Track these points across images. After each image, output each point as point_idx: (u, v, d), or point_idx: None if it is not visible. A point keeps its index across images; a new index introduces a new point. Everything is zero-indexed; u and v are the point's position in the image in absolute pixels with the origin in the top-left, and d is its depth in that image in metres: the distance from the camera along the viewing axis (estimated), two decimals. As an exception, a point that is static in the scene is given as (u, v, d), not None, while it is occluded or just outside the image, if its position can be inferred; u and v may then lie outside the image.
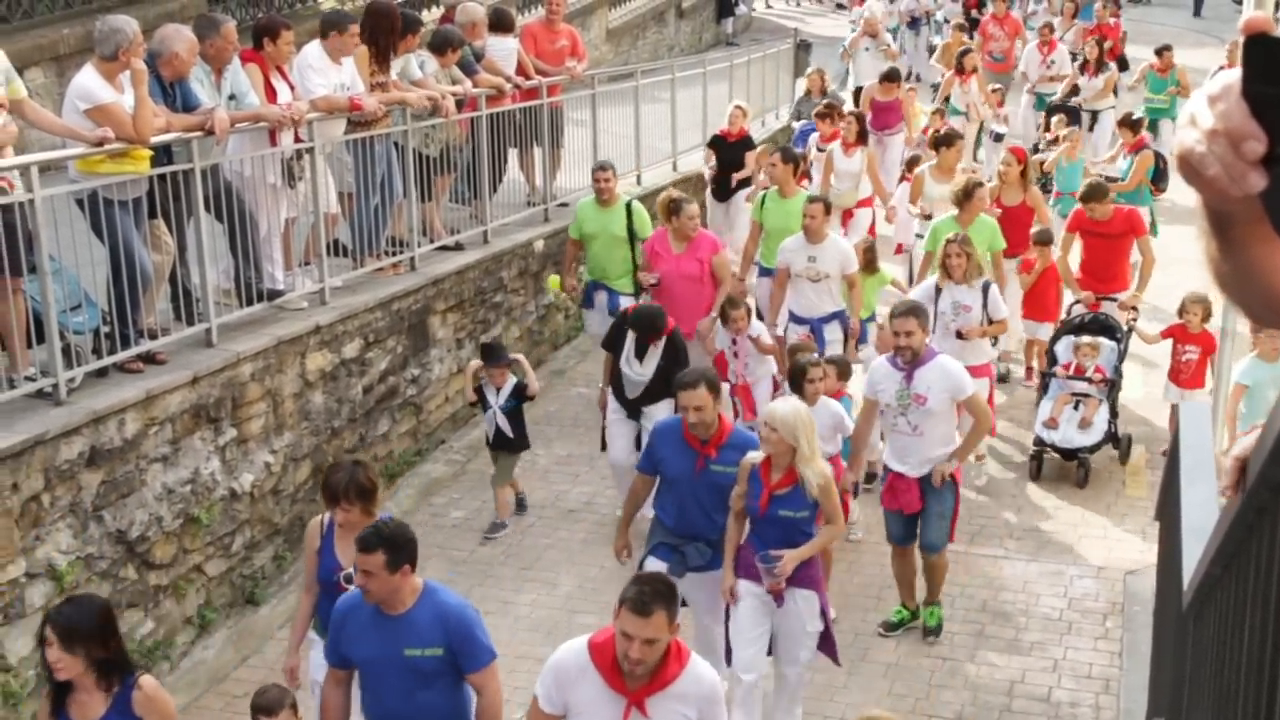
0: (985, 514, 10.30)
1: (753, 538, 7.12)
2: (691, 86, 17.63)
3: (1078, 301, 11.75)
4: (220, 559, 8.76)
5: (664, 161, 16.23)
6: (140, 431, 7.98)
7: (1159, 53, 19.40)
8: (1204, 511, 5.12)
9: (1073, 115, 18.15)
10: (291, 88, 9.71)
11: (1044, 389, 11.26)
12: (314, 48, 10.00)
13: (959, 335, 10.02)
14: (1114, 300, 11.70)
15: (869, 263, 11.43)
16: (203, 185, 8.69)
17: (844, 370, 9.78)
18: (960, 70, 18.79)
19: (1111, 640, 8.67)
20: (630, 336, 9.56)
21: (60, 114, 8.34)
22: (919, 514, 8.40)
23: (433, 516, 10.17)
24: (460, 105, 11.55)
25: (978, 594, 9.21)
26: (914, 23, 25.91)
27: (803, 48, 24.23)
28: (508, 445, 10.09)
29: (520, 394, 9.99)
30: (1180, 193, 17.01)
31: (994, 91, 19.28)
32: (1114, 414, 10.98)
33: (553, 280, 12.27)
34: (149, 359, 8.37)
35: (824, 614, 7.22)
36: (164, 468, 8.20)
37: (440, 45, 11.66)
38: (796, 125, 17.92)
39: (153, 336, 8.47)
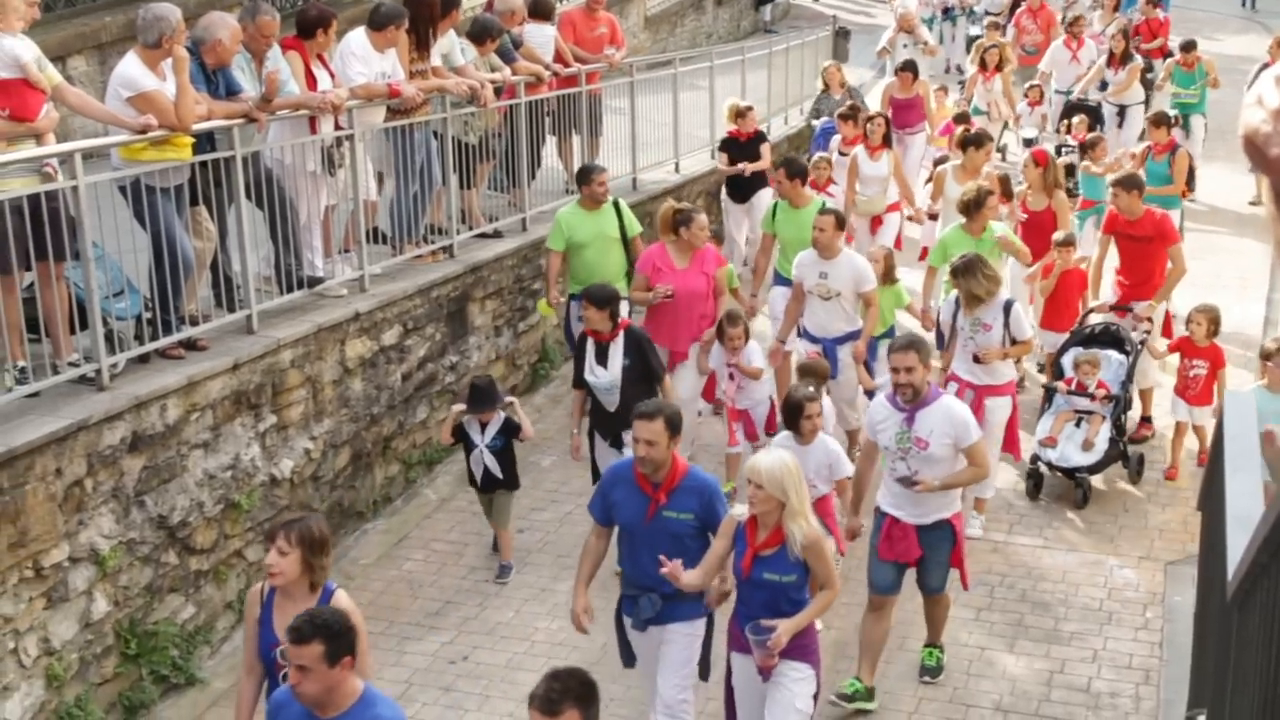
0: (1025, 503, 10.24)
1: (737, 604, 6.53)
2: (730, 74, 17.60)
3: (1092, 310, 11.17)
4: (260, 544, 8.80)
5: (703, 149, 16.19)
6: (182, 417, 8.03)
7: (1184, 48, 18.54)
8: (1249, 501, 5.08)
9: (1094, 115, 17.34)
10: (331, 76, 9.75)
11: (1047, 402, 10.68)
12: (358, 35, 10.02)
13: (975, 360, 9.38)
14: (1123, 307, 11.14)
15: (887, 273, 10.88)
16: (243, 172, 8.74)
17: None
18: (984, 67, 18.30)
19: (1152, 631, 8.61)
20: (590, 344, 8.98)
21: (104, 102, 8.39)
22: (915, 564, 7.78)
23: (470, 504, 10.18)
24: (499, 93, 11.57)
25: (1017, 584, 9.17)
26: (948, 11, 25.31)
27: (841, 35, 24.14)
28: (498, 486, 9.38)
29: (510, 432, 9.30)
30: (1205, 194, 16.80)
31: (1032, 89, 18.61)
32: (1120, 432, 10.31)
33: (542, 305, 11.34)
34: (190, 345, 8.42)
35: (815, 696, 6.59)
36: (205, 453, 8.25)
37: (479, 34, 11.68)
38: (816, 124, 17.18)
39: (194, 323, 8.52)
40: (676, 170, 15.43)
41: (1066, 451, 10.15)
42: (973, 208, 10.80)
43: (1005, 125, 18.69)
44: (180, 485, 8.04)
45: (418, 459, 10.62)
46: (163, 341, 8.21)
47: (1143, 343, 10.71)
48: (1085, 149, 14.72)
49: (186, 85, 8.02)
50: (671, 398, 8.63)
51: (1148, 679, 8.10)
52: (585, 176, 10.95)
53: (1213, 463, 7.46)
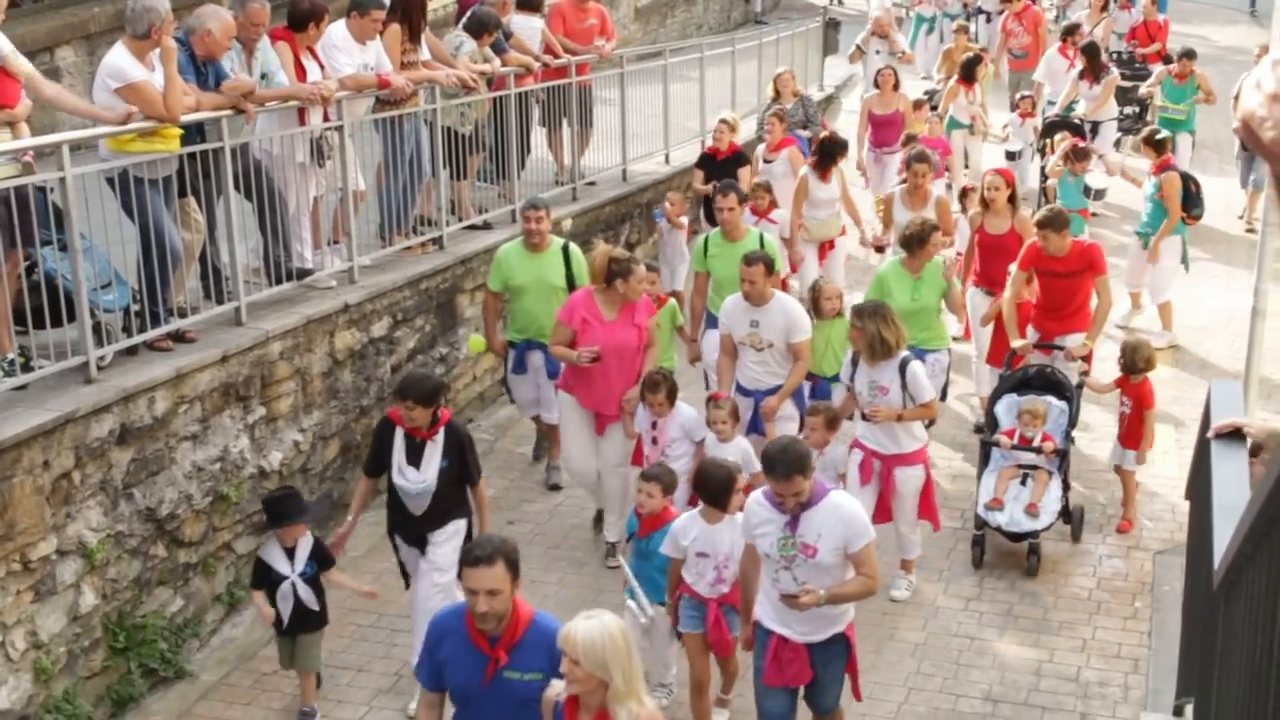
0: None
1: None
2: (720, 65, 17.59)
3: (1015, 352, 10.09)
4: (249, 537, 8.80)
5: (692, 140, 16.18)
6: (170, 409, 8.01)
7: (1179, 58, 17.18)
8: (1235, 490, 5.09)
9: (1077, 132, 15.98)
10: (321, 67, 9.74)
11: (985, 459, 9.51)
12: (339, 28, 10.02)
13: (864, 417, 8.59)
14: (1055, 346, 10.27)
15: (830, 307, 9.78)
16: (232, 164, 8.72)
17: (833, 421, 8.79)
18: (965, 78, 16.98)
19: (1140, 620, 8.64)
20: (399, 438, 7.59)
21: (91, 92, 8.37)
22: (808, 686, 6.69)
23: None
24: (490, 84, 11.57)
25: (1006, 574, 9.18)
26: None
27: (832, 26, 24.10)
28: (309, 624, 7.69)
29: (322, 554, 7.72)
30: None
31: (1023, 99, 17.32)
32: (1065, 487, 9.35)
33: (474, 341, 10.25)
34: (179, 337, 8.40)
35: None
36: (193, 446, 8.24)
37: (477, 29, 11.68)
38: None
39: (183, 315, 8.51)
40: (667, 161, 15.45)
41: (1016, 515, 9.13)
42: (914, 244, 9.95)
43: (984, 138, 17.74)
44: (169, 477, 8.03)
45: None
46: (151, 333, 8.19)
47: (1080, 386, 9.86)
48: (1070, 158, 14.08)
49: (175, 76, 8.00)
50: (485, 503, 7.89)
51: (1136, 668, 8.12)
52: (524, 212, 10.01)
53: (1200, 452, 7.46)
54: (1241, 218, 16.56)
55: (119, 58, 8.04)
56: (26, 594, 7.06)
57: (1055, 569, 9.24)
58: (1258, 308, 9.58)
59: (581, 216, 13.15)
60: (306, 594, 7.60)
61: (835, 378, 9.37)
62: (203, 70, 8.66)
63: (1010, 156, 16.82)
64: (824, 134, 13.38)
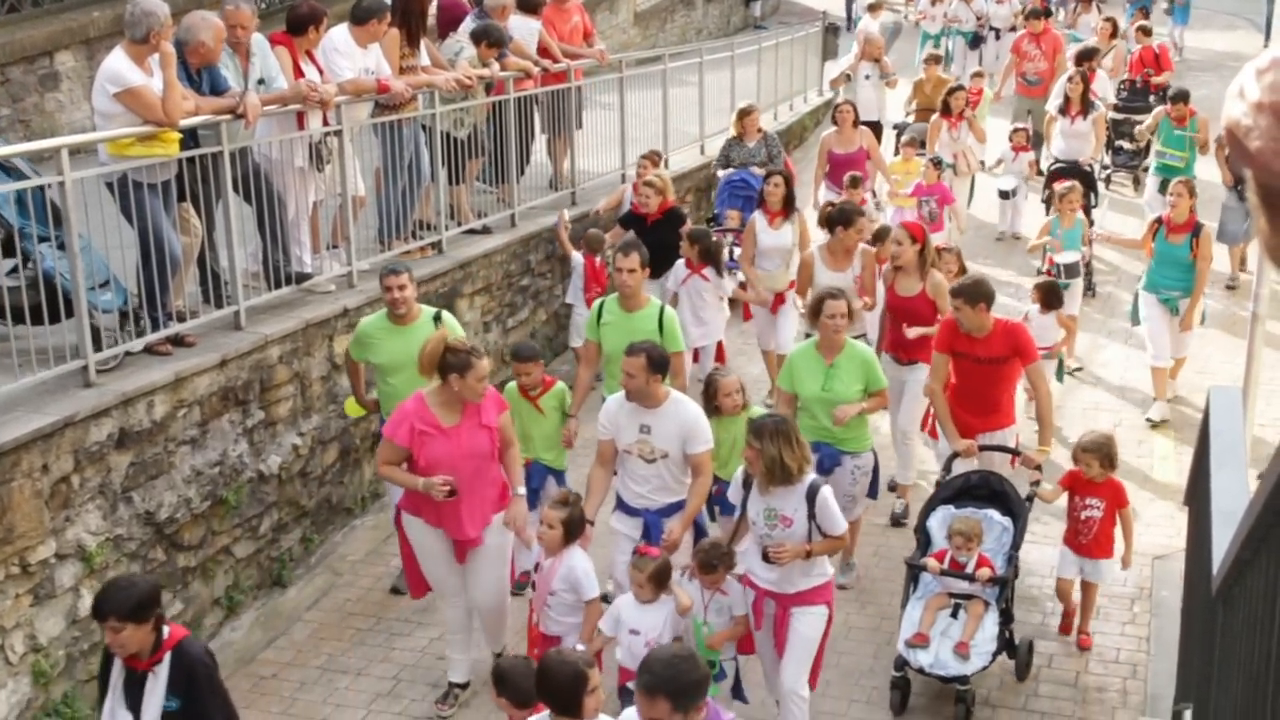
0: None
1: None
2: (719, 70, 17.61)
3: (955, 455, 8.55)
4: (248, 541, 8.80)
5: (691, 145, 16.20)
6: (169, 414, 8.02)
7: (1174, 99, 14.99)
8: (1233, 496, 5.09)
9: (1088, 182, 14.31)
10: (320, 71, 9.74)
11: (911, 583, 7.99)
12: (340, 32, 10.02)
13: (765, 558, 6.81)
14: (1007, 449, 8.75)
15: (730, 404, 8.11)
16: (231, 168, 8.73)
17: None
18: (947, 111, 15.22)
19: (1139, 625, 8.64)
20: (117, 669, 5.71)
21: (91, 97, 8.38)
22: None
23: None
24: (488, 89, 11.59)
25: (1005, 579, 9.19)
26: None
27: (831, 31, 24.14)
28: None
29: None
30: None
31: (1017, 132, 15.86)
32: (1007, 619, 7.81)
33: (350, 405, 9.21)
34: (177, 341, 8.41)
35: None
36: (192, 450, 8.24)
37: (481, 39, 11.69)
38: (722, 174, 14.11)
39: (181, 319, 8.51)
40: (666, 166, 15.43)
41: (943, 655, 7.60)
42: (811, 315, 8.62)
43: (974, 181, 15.91)
44: (168, 481, 8.03)
45: (406, 455, 10.60)
46: (150, 337, 8.20)
47: (1031, 498, 8.25)
48: (1053, 201, 13.05)
49: (173, 81, 8.01)
50: None
51: (1135, 673, 8.12)
52: (383, 279, 8.52)
53: (1199, 458, 7.47)
54: (1232, 286, 14.47)
55: (118, 62, 8.05)
56: (25, 597, 7.06)
57: (1052, 574, 9.19)
58: (1257, 313, 9.57)
59: (579, 221, 13.15)
60: None
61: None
62: (195, 78, 8.66)
63: (1004, 195, 15.79)
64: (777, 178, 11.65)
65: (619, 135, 14.36)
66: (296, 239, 9.70)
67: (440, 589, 7.85)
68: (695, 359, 10.96)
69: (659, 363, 7.33)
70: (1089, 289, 13.84)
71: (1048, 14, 19.67)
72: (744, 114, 13.99)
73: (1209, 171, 14.87)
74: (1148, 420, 11.46)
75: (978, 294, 8.39)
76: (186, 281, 8.81)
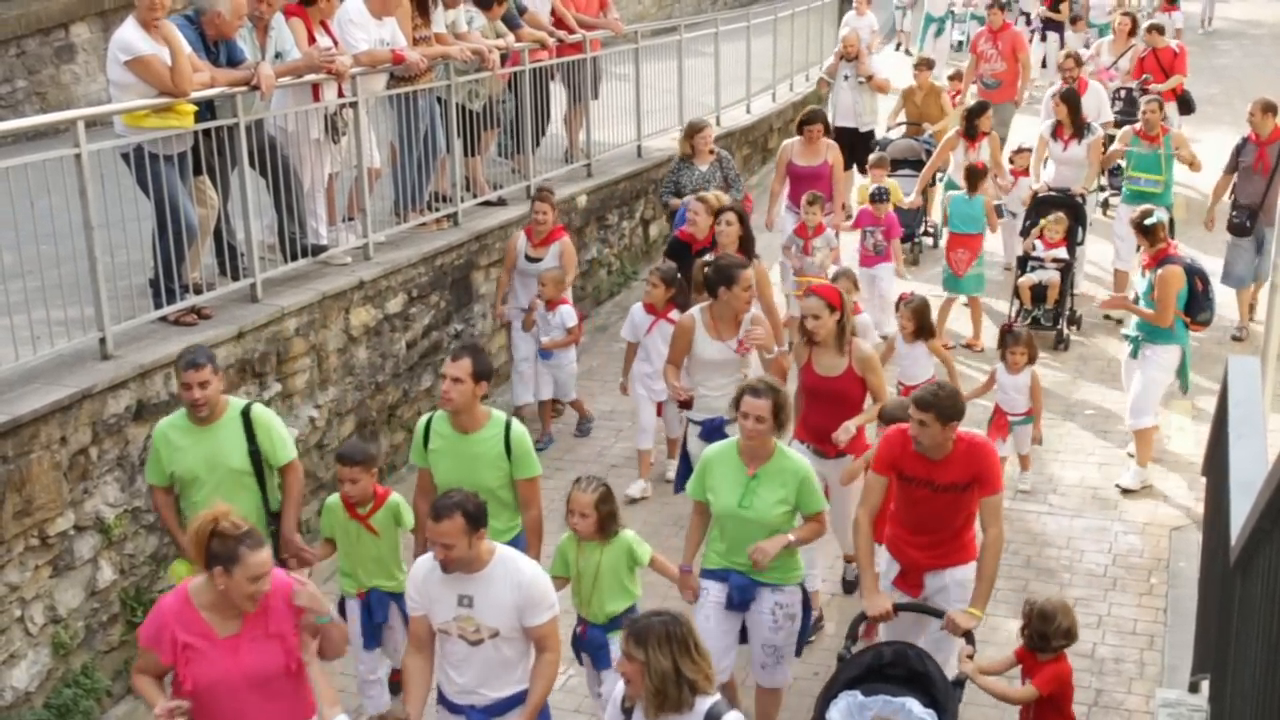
0: (1031, 470, 10.21)
1: None
2: (735, 40, 17.54)
3: (872, 618, 6.62)
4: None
5: (707, 115, 16.14)
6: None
7: (1149, 103, 12.88)
8: (1252, 466, 5.08)
9: (1076, 214, 12.61)
10: (335, 43, 9.73)
11: None
12: (355, 3, 9.99)
13: None
14: (929, 610, 6.69)
15: (585, 527, 6.34)
16: (247, 140, 8.72)
17: None
18: (968, 134, 13.18)
19: (1156, 596, 8.62)
20: None
21: (105, 68, 8.38)
22: None
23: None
24: (504, 60, 11.56)
25: (1022, 550, 9.16)
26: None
27: (847, 1, 24.00)
28: None
29: None
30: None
31: (1020, 153, 13.91)
32: None
33: (174, 569, 6.94)
34: (195, 313, 8.42)
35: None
36: (210, 421, 8.25)
37: (486, 2, 11.65)
38: (672, 203, 11.59)
39: (198, 291, 8.53)
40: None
41: None
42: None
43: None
44: (185, 453, 8.04)
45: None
46: (168, 309, 8.22)
47: (961, 682, 6.28)
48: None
49: (180, 51, 8.03)
50: None
51: (1152, 644, 8.11)
52: (180, 370, 6.61)
53: (1217, 429, 7.44)
54: (1239, 338, 12.52)
55: (128, 32, 8.10)
56: (45, 569, 7.10)
57: (1069, 545, 9.22)
58: (1276, 282, 9.50)
59: (596, 193, 13.14)
60: None
61: (612, 624, 6.35)
62: (213, 50, 8.66)
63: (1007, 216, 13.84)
64: (729, 214, 9.48)
65: (634, 106, 14.31)
66: (312, 211, 9.71)
67: None
68: (659, 413, 9.85)
69: (478, 518, 5.41)
70: (1074, 323, 12.57)
71: (1004, 6, 17.82)
72: (694, 131, 11.78)
73: (1207, 186, 13.44)
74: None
75: (952, 411, 6.31)
76: (203, 254, 8.83)
